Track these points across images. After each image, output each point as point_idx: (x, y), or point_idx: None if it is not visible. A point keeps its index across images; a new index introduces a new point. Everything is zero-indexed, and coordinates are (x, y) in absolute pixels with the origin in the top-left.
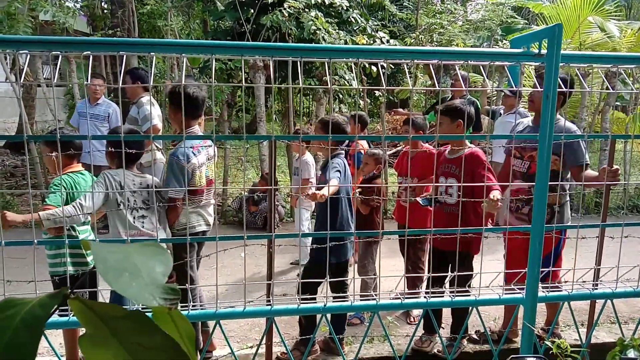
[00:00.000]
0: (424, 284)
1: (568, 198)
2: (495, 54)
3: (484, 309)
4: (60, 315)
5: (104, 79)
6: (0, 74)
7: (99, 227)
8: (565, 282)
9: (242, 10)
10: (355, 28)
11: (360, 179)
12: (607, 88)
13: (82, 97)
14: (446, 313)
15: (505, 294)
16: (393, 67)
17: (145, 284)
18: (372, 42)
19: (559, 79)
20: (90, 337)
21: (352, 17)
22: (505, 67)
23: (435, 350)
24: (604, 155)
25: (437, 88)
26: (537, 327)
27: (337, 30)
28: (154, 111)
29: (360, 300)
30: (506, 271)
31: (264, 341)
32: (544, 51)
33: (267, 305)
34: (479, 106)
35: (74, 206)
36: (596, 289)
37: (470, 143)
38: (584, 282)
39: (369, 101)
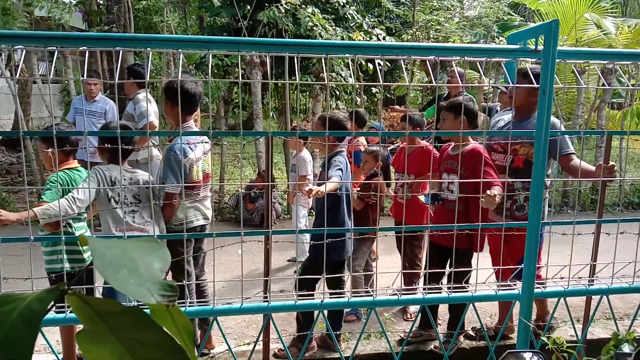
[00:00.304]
0: (421, 280)
1: (547, 195)
2: (492, 50)
3: (480, 305)
4: (57, 312)
5: (100, 75)
6: None
7: (95, 224)
8: (561, 278)
9: (238, 6)
10: (351, 25)
11: (362, 178)
12: (603, 85)
13: (78, 94)
14: (442, 309)
15: (501, 290)
16: (390, 64)
17: (144, 280)
18: (368, 38)
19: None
20: (88, 333)
21: (349, 13)
22: (502, 64)
23: (432, 347)
24: (599, 152)
25: (434, 84)
26: (532, 323)
27: (333, 27)
28: (150, 108)
29: (357, 296)
30: (503, 267)
31: (261, 338)
32: (540, 47)
33: (265, 301)
34: (475, 103)
35: (67, 199)
36: (592, 285)
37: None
38: (580, 278)
39: (365, 98)
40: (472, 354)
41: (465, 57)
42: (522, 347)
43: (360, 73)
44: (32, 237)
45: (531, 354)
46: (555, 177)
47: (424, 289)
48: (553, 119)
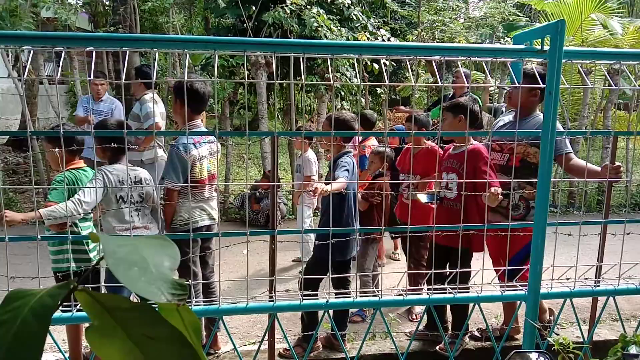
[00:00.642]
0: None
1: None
2: (498, 50)
3: (485, 306)
4: (64, 311)
5: (107, 76)
6: (3, 71)
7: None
8: (567, 279)
9: (243, 7)
10: (356, 25)
11: (369, 178)
12: (610, 85)
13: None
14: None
15: (507, 290)
16: (395, 64)
17: (154, 278)
18: (373, 39)
19: (537, 75)
20: (97, 329)
21: (354, 14)
22: (508, 64)
23: (437, 348)
24: (606, 153)
25: (439, 84)
26: (538, 324)
27: (338, 28)
28: (156, 109)
29: (362, 296)
30: (509, 268)
31: (266, 337)
32: (546, 47)
33: (270, 301)
34: (481, 103)
35: (73, 202)
36: (598, 286)
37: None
38: (586, 279)
39: (370, 99)
40: (477, 355)
41: (471, 58)
42: (528, 347)
43: (365, 74)
44: (39, 237)
45: (537, 354)
46: (562, 178)
47: (429, 289)
48: None
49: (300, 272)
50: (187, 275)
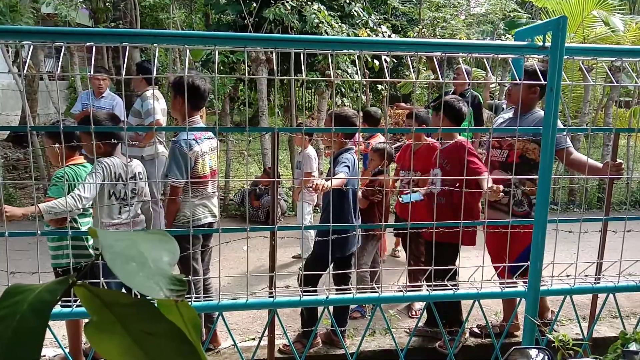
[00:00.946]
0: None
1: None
2: (500, 47)
3: (485, 302)
4: (63, 307)
5: (108, 71)
6: (3, 67)
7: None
8: (567, 276)
9: (244, 3)
10: (357, 22)
11: (369, 175)
12: (611, 82)
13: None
14: None
15: (507, 287)
16: (395, 61)
17: (152, 273)
18: (374, 36)
19: (538, 71)
20: (96, 324)
21: (355, 10)
22: (509, 60)
23: (437, 345)
24: (607, 150)
25: (440, 81)
26: (538, 320)
27: (339, 24)
28: (157, 105)
29: (362, 292)
30: (510, 264)
31: (266, 333)
32: (548, 44)
33: (270, 297)
34: (482, 100)
35: (73, 197)
36: (598, 283)
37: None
38: (586, 276)
39: (371, 95)
40: (477, 351)
41: (473, 54)
42: (528, 344)
43: (366, 70)
44: (38, 232)
45: (537, 351)
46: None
47: (429, 286)
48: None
49: (300, 268)
50: (188, 272)
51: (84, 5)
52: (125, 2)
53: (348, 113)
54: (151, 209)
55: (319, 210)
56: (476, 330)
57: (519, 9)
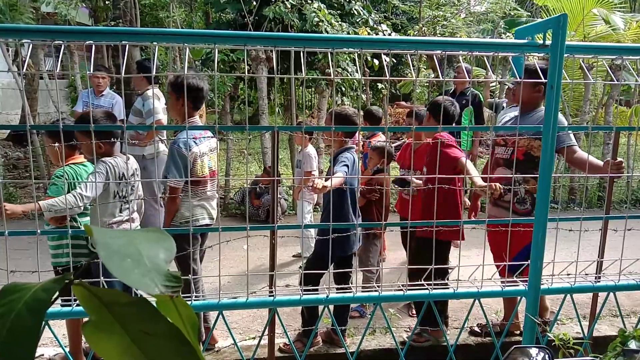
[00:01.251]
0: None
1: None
2: (500, 45)
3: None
4: (63, 305)
5: (108, 70)
6: (3, 66)
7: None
8: (568, 274)
9: (244, 2)
10: (357, 20)
11: (369, 173)
12: (611, 80)
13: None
14: (451, 305)
15: (507, 286)
16: (395, 59)
17: (148, 270)
18: (374, 34)
19: (539, 70)
20: (94, 324)
21: (355, 9)
22: (510, 59)
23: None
24: (607, 149)
25: (441, 79)
26: (538, 319)
27: (339, 23)
28: (158, 105)
29: (363, 291)
30: (510, 263)
31: (266, 332)
32: (548, 42)
33: (270, 296)
34: (482, 99)
35: (74, 196)
36: (599, 281)
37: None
38: (587, 274)
39: (371, 94)
40: (477, 350)
41: (473, 52)
42: (528, 343)
43: (366, 69)
44: (38, 231)
45: (537, 349)
46: (562, 174)
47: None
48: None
49: (300, 267)
50: (186, 272)
51: (83, 4)
52: (125, 1)
53: (348, 112)
54: (144, 207)
55: (319, 209)
56: (476, 329)
57: (519, 8)
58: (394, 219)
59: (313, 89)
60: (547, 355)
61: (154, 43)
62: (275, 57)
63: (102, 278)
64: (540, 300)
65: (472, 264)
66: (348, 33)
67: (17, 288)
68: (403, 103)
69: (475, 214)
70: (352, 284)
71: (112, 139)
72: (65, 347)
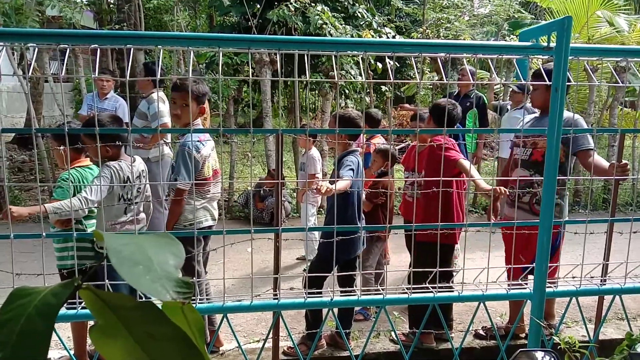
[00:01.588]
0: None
1: (567, 192)
2: (504, 47)
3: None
4: (69, 309)
5: (112, 73)
6: (8, 69)
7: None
8: (573, 277)
9: (248, 5)
10: (361, 23)
11: (372, 176)
12: (616, 82)
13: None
14: (456, 309)
15: (512, 289)
16: (398, 63)
17: (159, 277)
18: (378, 37)
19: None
20: (100, 327)
21: (359, 12)
22: (514, 61)
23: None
24: (612, 151)
25: (445, 81)
26: (544, 322)
27: (343, 25)
28: (163, 108)
29: (367, 294)
30: (514, 266)
31: (270, 335)
32: (553, 44)
33: (274, 299)
34: (486, 101)
35: (79, 199)
36: (604, 284)
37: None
38: (592, 277)
39: (375, 96)
40: (482, 354)
41: (477, 55)
42: (533, 346)
43: (370, 71)
44: (44, 234)
45: (543, 353)
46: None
47: (434, 287)
48: (576, 115)
49: (304, 270)
50: (191, 274)
51: (88, 8)
52: (130, 5)
53: (352, 114)
54: (151, 207)
55: (323, 212)
56: (481, 332)
57: (523, 10)
58: (398, 221)
59: (317, 92)
60: (552, 359)
61: (159, 46)
62: (279, 60)
63: (107, 281)
64: (548, 307)
65: (477, 266)
66: (352, 36)
67: (26, 292)
68: (407, 105)
69: (495, 215)
70: (356, 286)
71: (117, 142)
72: (70, 350)
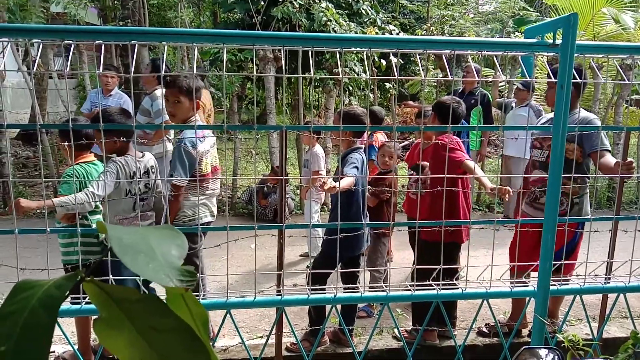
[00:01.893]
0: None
1: (587, 191)
2: (509, 44)
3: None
4: (73, 303)
5: (117, 69)
6: (13, 65)
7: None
8: (577, 275)
9: (252, 1)
10: (365, 20)
11: (375, 170)
12: (622, 80)
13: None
14: (460, 306)
15: (516, 286)
16: (402, 60)
17: (162, 265)
18: (382, 34)
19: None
20: (104, 320)
21: (363, 8)
22: (519, 58)
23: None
24: (617, 149)
25: (449, 78)
26: (547, 320)
27: (347, 22)
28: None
29: (371, 291)
30: (517, 264)
31: (273, 331)
32: (558, 41)
33: (278, 295)
34: (491, 99)
35: (86, 194)
36: (609, 282)
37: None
38: (596, 275)
39: (379, 94)
40: (485, 351)
41: (482, 52)
42: (537, 344)
43: (374, 68)
44: (48, 229)
45: (547, 350)
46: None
47: (438, 284)
48: (589, 114)
49: (307, 266)
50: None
51: (92, 4)
52: (134, 1)
53: (357, 111)
54: (163, 201)
55: (326, 209)
56: (484, 329)
57: (528, 7)
58: (402, 218)
59: (321, 89)
60: (556, 357)
61: (163, 43)
62: (283, 56)
63: (111, 276)
64: (553, 307)
65: (481, 264)
66: (356, 33)
67: (29, 285)
68: (411, 103)
69: (516, 215)
70: (359, 283)
71: (122, 138)
72: (74, 344)
